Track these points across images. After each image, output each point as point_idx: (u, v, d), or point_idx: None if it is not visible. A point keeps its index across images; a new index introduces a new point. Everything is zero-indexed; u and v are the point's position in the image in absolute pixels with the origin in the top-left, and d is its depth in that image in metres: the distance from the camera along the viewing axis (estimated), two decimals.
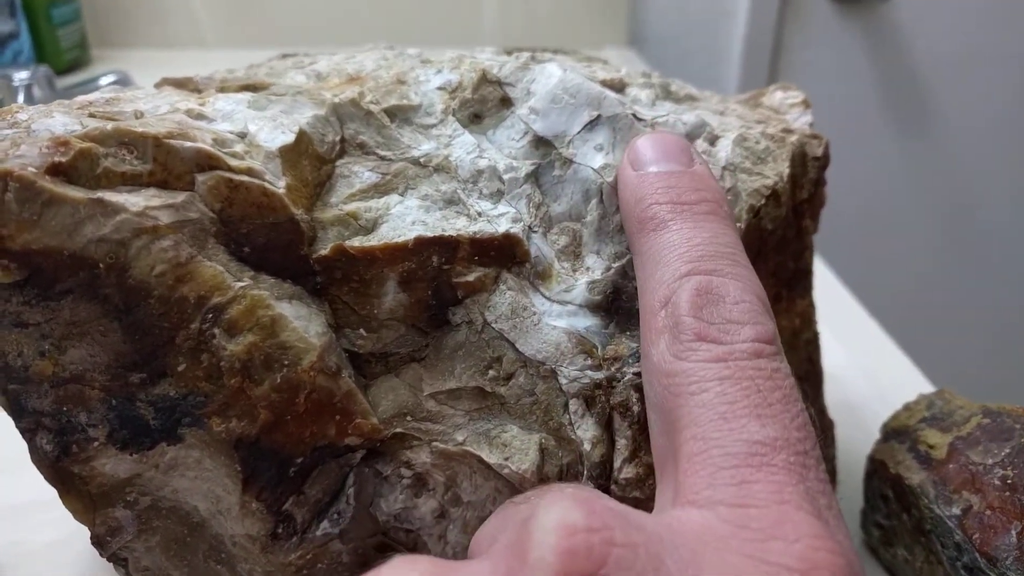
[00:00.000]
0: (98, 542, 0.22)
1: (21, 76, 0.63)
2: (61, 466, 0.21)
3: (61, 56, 0.85)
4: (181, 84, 0.27)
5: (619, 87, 0.27)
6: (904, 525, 0.29)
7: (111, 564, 0.29)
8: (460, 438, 0.22)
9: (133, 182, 0.20)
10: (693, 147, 0.23)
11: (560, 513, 0.14)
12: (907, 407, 0.32)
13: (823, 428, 0.31)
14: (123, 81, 0.62)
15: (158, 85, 0.27)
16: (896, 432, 0.31)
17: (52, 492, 0.33)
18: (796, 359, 0.30)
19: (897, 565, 0.30)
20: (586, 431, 0.22)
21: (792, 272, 0.30)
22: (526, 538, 0.14)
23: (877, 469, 0.31)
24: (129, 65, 0.86)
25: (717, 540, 0.15)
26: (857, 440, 0.37)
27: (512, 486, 0.22)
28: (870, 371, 0.43)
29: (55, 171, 0.19)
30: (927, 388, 0.42)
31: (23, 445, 0.35)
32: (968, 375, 1.14)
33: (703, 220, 0.20)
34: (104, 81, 0.61)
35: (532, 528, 0.14)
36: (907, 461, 0.30)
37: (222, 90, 0.26)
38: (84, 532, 0.31)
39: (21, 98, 0.63)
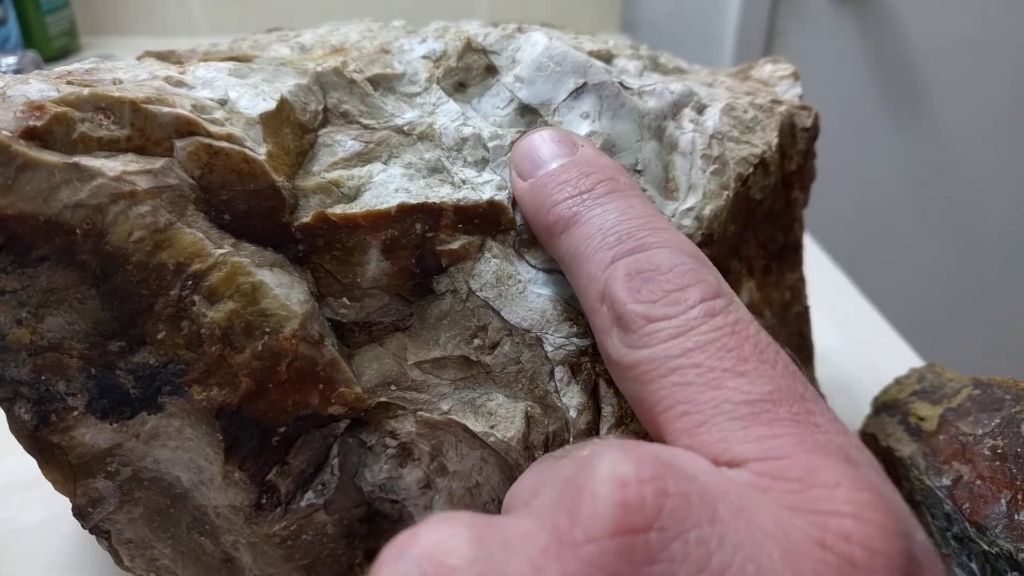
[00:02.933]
0: (79, 513, 0.22)
1: (8, 62, 0.63)
2: (40, 436, 0.21)
3: (49, 43, 0.84)
4: (164, 56, 0.27)
5: (606, 58, 0.27)
6: None
7: (94, 540, 0.29)
8: (445, 407, 0.22)
9: (110, 147, 0.20)
10: (571, 134, 0.22)
11: (611, 465, 0.14)
12: (898, 381, 0.32)
13: None
14: None
15: (140, 57, 0.27)
16: (887, 406, 0.31)
17: (39, 471, 0.32)
18: (786, 332, 0.30)
19: None
20: (572, 398, 0.22)
21: (781, 244, 0.30)
22: (576, 494, 0.14)
23: (868, 442, 0.31)
24: (118, 52, 0.86)
25: (759, 492, 0.14)
26: (849, 416, 0.37)
27: (498, 455, 0.22)
28: (862, 349, 0.43)
29: (30, 135, 0.19)
30: (919, 364, 0.42)
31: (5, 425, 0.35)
32: (959, 352, 1.14)
33: (606, 201, 0.20)
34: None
35: (582, 483, 0.14)
36: (898, 434, 0.29)
37: (205, 61, 0.26)
38: (69, 510, 0.31)
39: None
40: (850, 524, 0.13)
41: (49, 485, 0.32)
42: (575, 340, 0.22)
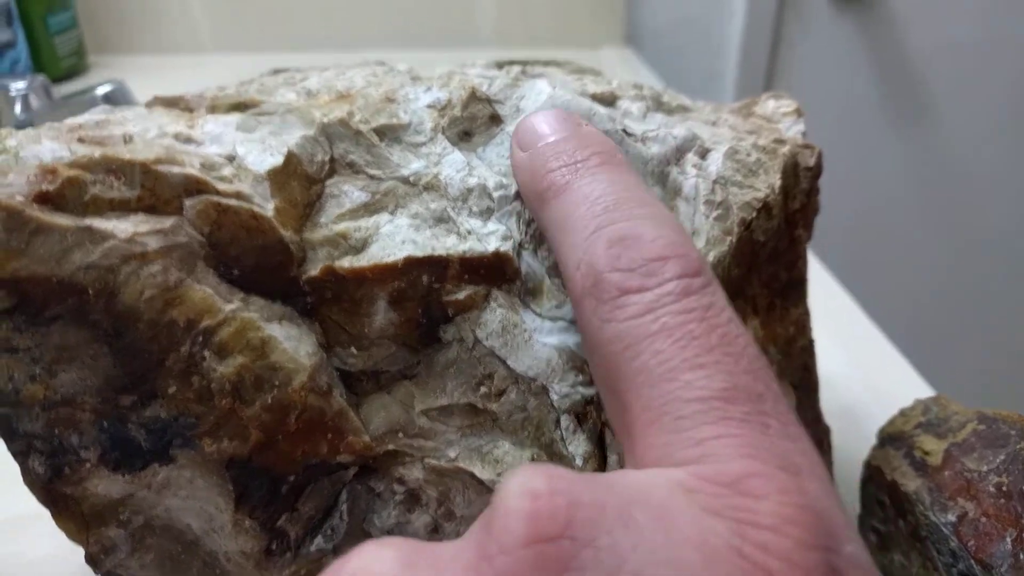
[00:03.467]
0: (92, 560, 0.22)
1: (18, 86, 0.64)
2: (53, 488, 0.21)
3: (58, 64, 0.85)
4: (172, 103, 0.27)
5: (610, 100, 0.27)
6: (900, 531, 0.30)
7: None
8: (452, 454, 0.23)
9: (121, 208, 0.20)
10: (575, 114, 0.23)
11: (523, 479, 0.14)
12: (903, 413, 0.32)
13: (818, 436, 0.31)
14: (119, 90, 0.62)
15: (149, 104, 0.27)
16: (892, 438, 0.31)
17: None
18: (791, 367, 0.30)
19: (894, 571, 0.30)
20: (578, 447, 0.22)
21: (785, 282, 0.30)
22: (492, 510, 0.14)
23: (873, 475, 0.31)
24: (126, 71, 0.87)
25: (686, 496, 0.14)
26: (855, 445, 0.37)
27: None
28: (869, 375, 0.43)
29: (43, 199, 0.19)
30: (926, 392, 0.42)
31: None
32: (968, 379, 1.14)
33: (598, 172, 0.20)
34: (100, 91, 0.61)
35: (498, 499, 0.14)
36: (903, 467, 0.30)
37: (213, 108, 0.26)
38: (75, 544, 0.31)
39: (18, 108, 0.63)
40: (769, 536, 0.13)
41: (52, 519, 0.32)
42: (580, 389, 0.22)
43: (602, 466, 0.22)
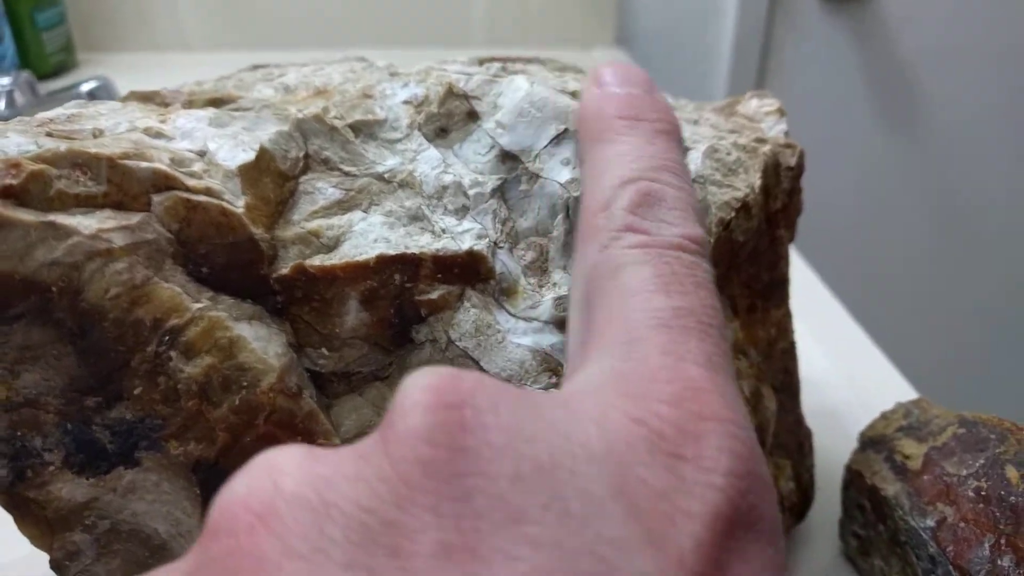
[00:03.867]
0: (57, 567, 0.22)
1: (2, 82, 0.63)
2: (16, 492, 0.21)
3: (46, 60, 0.84)
4: (148, 98, 0.27)
5: None
6: (880, 536, 0.29)
7: None
8: None
9: (87, 203, 0.20)
10: (653, 82, 0.24)
11: (424, 371, 0.14)
12: (884, 416, 0.32)
13: (799, 439, 0.31)
14: (104, 87, 0.62)
15: (124, 99, 0.27)
16: (873, 441, 0.31)
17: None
18: (772, 370, 0.30)
19: (875, 575, 0.30)
20: None
21: (766, 283, 0.29)
22: (392, 403, 0.14)
23: (854, 479, 0.31)
24: (114, 69, 0.86)
25: (597, 384, 0.15)
26: (838, 447, 0.37)
27: None
28: (852, 376, 0.43)
29: (6, 193, 0.19)
30: (910, 394, 0.42)
31: None
32: (951, 380, 1.14)
33: (656, 137, 0.21)
34: (85, 88, 0.61)
35: (398, 393, 0.14)
36: (883, 471, 0.29)
37: (189, 104, 0.26)
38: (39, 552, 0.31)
39: (2, 104, 0.63)
40: (666, 408, 0.14)
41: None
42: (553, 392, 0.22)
43: None
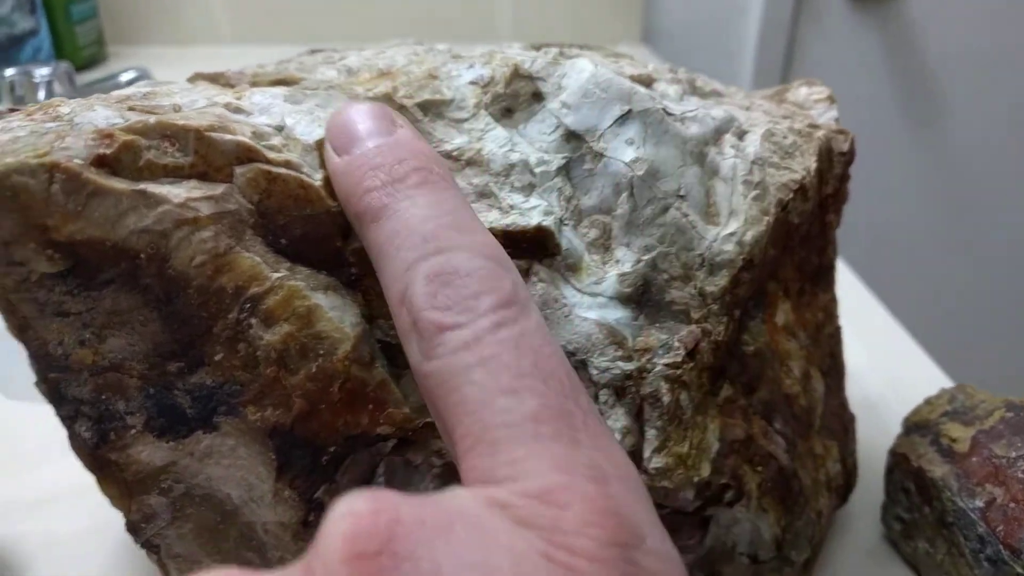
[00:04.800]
0: (133, 528, 0.23)
1: (42, 72, 0.64)
2: (99, 453, 0.21)
3: (79, 53, 0.85)
4: (213, 79, 0.27)
5: (647, 82, 0.27)
6: (926, 518, 0.30)
7: (138, 552, 0.30)
8: None
9: (174, 174, 0.20)
10: (389, 110, 0.22)
11: (346, 503, 0.14)
12: (928, 401, 0.33)
13: (844, 423, 0.32)
14: (143, 78, 0.62)
15: (191, 79, 0.27)
16: (917, 426, 0.32)
17: (80, 482, 0.33)
18: (819, 353, 0.30)
19: (918, 558, 0.30)
20: (616, 421, 0.22)
21: (816, 267, 0.30)
22: (318, 534, 0.14)
23: (899, 462, 0.31)
24: (144, 61, 0.87)
25: (500, 510, 0.15)
26: (876, 436, 0.38)
27: None
28: (890, 369, 0.43)
29: (99, 163, 0.20)
30: (946, 385, 0.42)
31: (52, 437, 0.36)
32: (987, 373, 1.14)
33: (416, 194, 0.19)
34: (124, 78, 0.62)
35: (323, 523, 0.14)
36: (929, 454, 0.30)
37: (254, 84, 0.26)
38: (112, 522, 0.31)
39: (42, 94, 0.64)
40: (573, 539, 0.14)
41: (87, 497, 0.32)
42: (620, 364, 0.22)
43: (640, 440, 0.22)
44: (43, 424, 0.37)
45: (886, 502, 0.32)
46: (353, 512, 0.14)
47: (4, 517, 0.29)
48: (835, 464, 0.30)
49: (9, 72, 0.63)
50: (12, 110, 0.23)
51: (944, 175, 1.14)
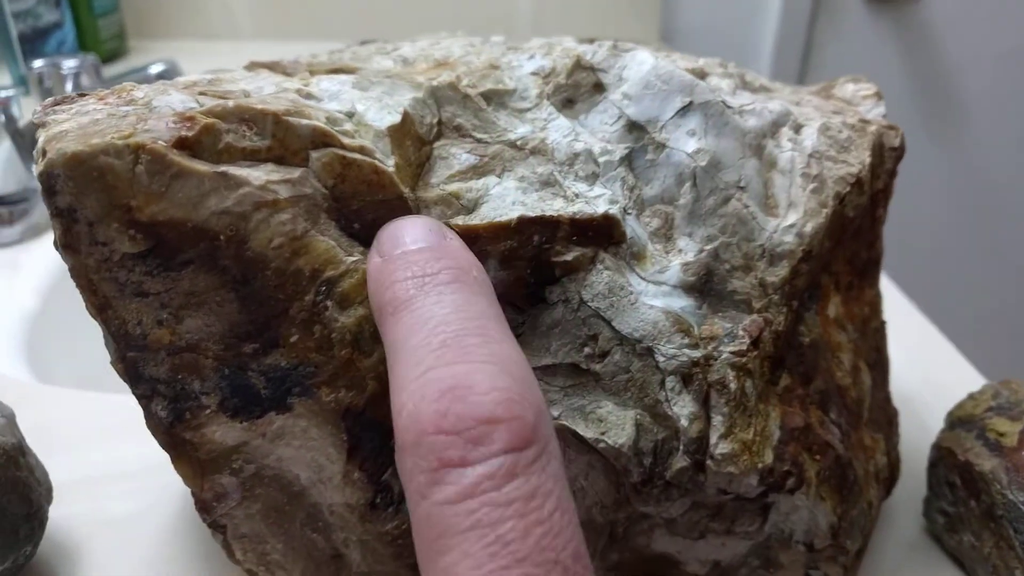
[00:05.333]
0: (204, 507, 0.23)
1: (70, 64, 0.64)
2: (174, 432, 0.22)
3: (101, 46, 0.85)
4: (271, 67, 0.28)
5: (701, 76, 0.28)
6: (972, 512, 0.30)
7: (188, 534, 0.30)
8: (555, 413, 0.23)
9: (251, 157, 0.21)
10: (444, 226, 0.21)
11: None
12: (972, 396, 0.33)
13: (889, 416, 0.32)
14: (171, 70, 0.63)
15: (248, 67, 0.28)
16: (962, 421, 0.32)
17: (130, 465, 0.33)
18: (866, 347, 0.31)
19: (963, 551, 0.31)
20: (683, 407, 0.23)
21: (864, 261, 0.30)
22: None
23: (943, 456, 0.31)
24: (164, 56, 0.87)
25: None
26: (914, 433, 0.38)
27: (606, 461, 0.23)
28: (924, 367, 0.44)
29: (181, 145, 0.20)
30: (980, 383, 0.42)
31: (92, 421, 0.36)
32: (1018, 371, 1.14)
33: (446, 292, 0.18)
34: (153, 70, 0.62)
35: None
36: (976, 448, 0.30)
37: (311, 74, 0.26)
38: (161, 504, 0.32)
39: (69, 86, 0.64)
40: None
41: (136, 479, 0.33)
42: (687, 351, 0.23)
43: (707, 426, 0.23)
44: (79, 409, 0.37)
45: (929, 496, 0.33)
46: None
47: (56, 499, 0.30)
48: (882, 457, 0.30)
49: (37, 64, 0.63)
50: (81, 95, 0.23)
51: (964, 176, 1.14)
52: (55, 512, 0.31)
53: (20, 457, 0.26)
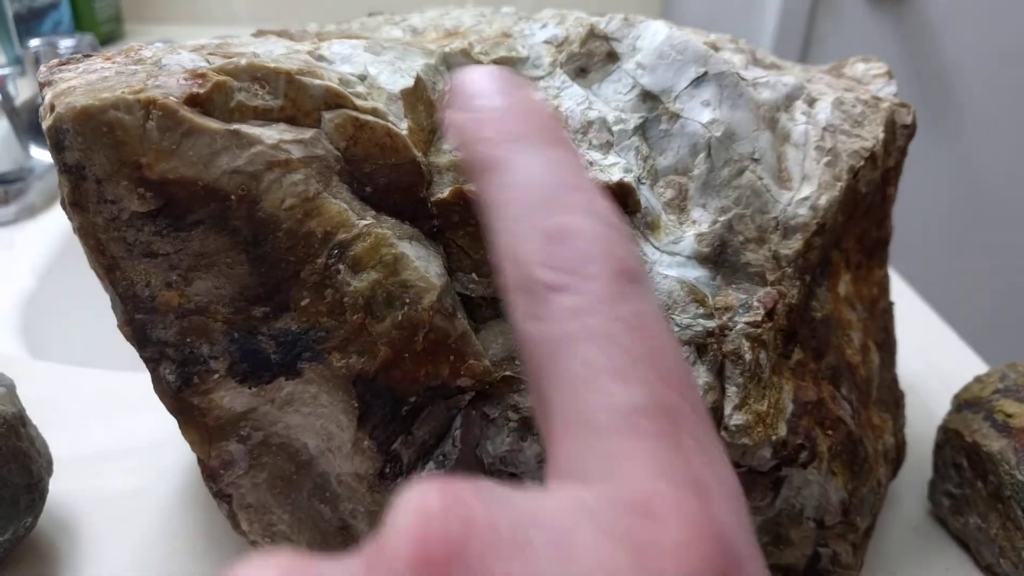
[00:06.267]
0: (211, 475, 0.22)
1: (67, 44, 0.64)
2: (182, 397, 0.21)
3: (97, 28, 0.85)
4: (279, 34, 0.27)
5: (713, 49, 0.27)
6: (979, 493, 0.30)
7: (189, 509, 0.30)
8: None
9: (263, 117, 0.20)
10: (516, 76, 0.20)
11: (416, 497, 0.13)
12: (979, 379, 0.33)
13: (896, 398, 0.32)
14: None
15: (255, 35, 0.27)
16: (968, 403, 0.32)
17: (130, 441, 0.33)
18: (874, 327, 0.30)
19: (968, 533, 0.30)
20: (698, 378, 0.22)
21: (874, 240, 0.30)
22: (384, 528, 0.13)
23: (950, 438, 0.31)
24: (164, 39, 0.86)
25: (589, 517, 0.13)
26: (917, 417, 0.38)
27: None
28: (926, 353, 0.44)
29: (193, 102, 0.19)
30: (982, 368, 0.42)
31: (88, 398, 0.35)
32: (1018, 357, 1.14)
33: (538, 150, 0.18)
34: None
35: (390, 517, 0.13)
36: (984, 429, 0.30)
37: (321, 40, 0.26)
38: (161, 481, 0.31)
39: None
40: (668, 562, 0.13)
41: (136, 456, 0.32)
42: (702, 321, 0.22)
43: (721, 397, 0.22)
44: (75, 385, 0.37)
45: (934, 479, 0.32)
46: (421, 508, 0.13)
47: (56, 475, 0.29)
48: (890, 437, 0.30)
49: (34, 43, 0.63)
50: (86, 56, 0.22)
51: (962, 169, 1.14)
52: (55, 488, 0.30)
53: (21, 427, 0.26)
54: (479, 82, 0.20)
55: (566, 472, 0.15)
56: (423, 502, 0.13)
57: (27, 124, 0.57)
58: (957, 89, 1.09)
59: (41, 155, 0.57)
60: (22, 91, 0.60)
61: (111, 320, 0.21)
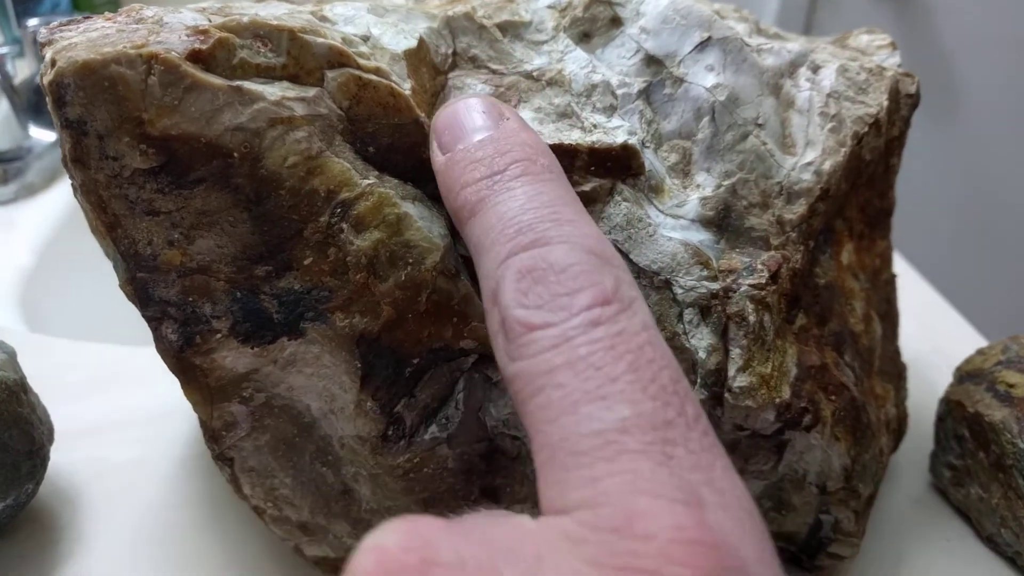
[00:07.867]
0: (212, 437, 0.22)
1: None
2: (184, 356, 0.21)
3: (94, 9, 0.84)
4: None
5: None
6: (980, 463, 0.30)
7: (188, 480, 0.30)
8: None
9: (266, 74, 0.20)
10: (499, 103, 0.21)
11: (376, 536, 0.13)
12: (981, 352, 0.33)
13: (898, 369, 0.32)
14: None
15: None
16: (971, 375, 0.32)
17: (131, 413, 0.33)
18: (877, 298, 0.30)
19: (970, 504, 0.30)
20: (701, 340, 0.22)
21: (877, 210, 0.30)
22: (347, 567, 0.13)
23: (952, 409, 0.31)
24: None
25: (569, 547, 0.13)
26: (918, 392, 0.38)
27: None
28: (930, 332, 0.44)
29: (195, 58, 0.19)
30: (982, 343, 0.42)
31: (87, 371, 0.35)
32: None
33: (515, 185, 0.18)
34: None
35: (352, 557, 0.13)
36: (986, 400, 0.30)
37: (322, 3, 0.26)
38: (162, 452, 0.31)
39: None
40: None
41: (137, 427, 0.32)
42: (706, 283, 0.22)
43: (724, 359, 0.22)
44: (74, 358, 0.37)
45: (935, 451, 0.33)
46: (379, 546, 0.13)
47: (56, 445, 0.29)
48: (892, 408, 0.30)
49: (32, 23, 0.62)
50: (87, 17, 0.22)
51: (961, 157, 1.14)
52: (56, 458, 0.30)
53: (22, 393, 0.26)
54: (461, 117, 0.20)
55: (552, 504, 0.14)
56: (380, 540, 0.13)
57: (26, 103, 0.57)
58: (957, 78, 1.09)
59: (40, 135, 0.56)
60: (20, 71, 0.60)
61: (110, 298, 0.21)
